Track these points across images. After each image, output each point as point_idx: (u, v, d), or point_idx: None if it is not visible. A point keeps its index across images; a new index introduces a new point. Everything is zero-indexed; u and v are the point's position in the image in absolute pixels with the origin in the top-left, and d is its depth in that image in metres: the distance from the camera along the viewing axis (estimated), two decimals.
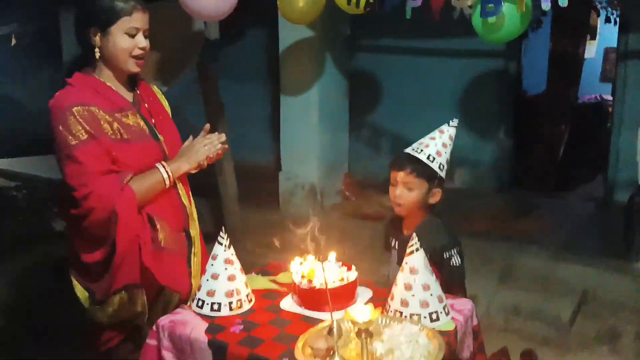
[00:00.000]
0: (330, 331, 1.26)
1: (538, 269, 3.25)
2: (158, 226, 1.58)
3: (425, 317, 1.39)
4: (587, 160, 5.40)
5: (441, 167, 1.72)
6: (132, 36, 1.55)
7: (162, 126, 1.72)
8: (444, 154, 1.73)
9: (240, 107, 4.86)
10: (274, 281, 1.71)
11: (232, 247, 1.55)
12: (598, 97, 6.35)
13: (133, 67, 1.60)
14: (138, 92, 1.71)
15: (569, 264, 3.20)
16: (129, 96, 1.67)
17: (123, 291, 1.55)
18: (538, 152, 4.96)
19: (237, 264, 1.55)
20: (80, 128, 1.48)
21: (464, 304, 1.51)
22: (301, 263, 1.61)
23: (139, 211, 1.56)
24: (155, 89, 1.83)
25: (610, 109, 5.09)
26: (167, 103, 1.84)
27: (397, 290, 1.43)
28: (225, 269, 1.51)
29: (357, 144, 4.94)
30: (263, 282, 1.70)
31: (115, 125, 1.55)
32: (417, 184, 1.72)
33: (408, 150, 1.75)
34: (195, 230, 1.74)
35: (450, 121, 1.78)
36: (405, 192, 1.73)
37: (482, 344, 1.53)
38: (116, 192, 1.49)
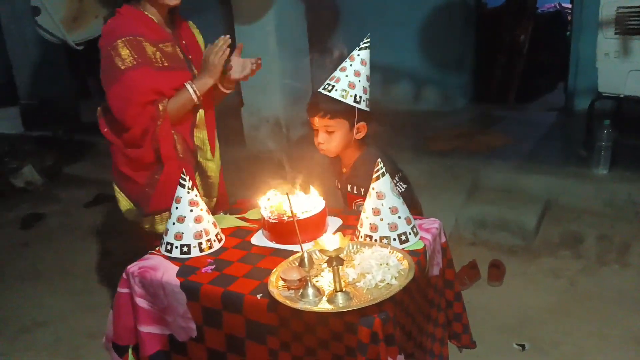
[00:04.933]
0: (301, 262, 1.26)
1: (503, 181, 3.34)
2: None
3: (394, 240, 1.40)
4: (548, 70, 5.44)
5: (359, 99, 1.59)
6: None
7: (197, 62, 1.84)
8: (359, 84, 1.59)
9: None
10: (243, 218, 1.69)
11: (195, 188, 1.51)
12: (557, 6, 6.27)
13: (170, 1, 1.73)
14: (177, 29, 1.86)
15: (532, 173, 3.29)
16: (169, 30, 1.82)
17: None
18: (500, 65, 4.95)
19: (203, 205, 1.52)
20: (129, 54, 1.65)
21: (432, 223, 1.53)
22: (269, 198, 1.58)
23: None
24: (192, 26, 1.97)
25: (569, 17, 5.06)
26: (202, 39, 1.97)
27: (366, 216, 1.44)
28: (191, 210, 1.48)
29: (321, 70, 4.81)
30: (232, 221, 1.68)
31: (158, 54, 1.72)
32: (336, 126, 1.62)
33: (320, 89, 1.63)
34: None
35: (361, 43, 1.62)
36: (326, 136, 1.64)
37: (450, 260, 1.57)
38: (154, 125, 1.68)
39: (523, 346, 2.20)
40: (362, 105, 1.61)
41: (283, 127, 4.18)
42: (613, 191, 3.03)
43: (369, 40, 1.62)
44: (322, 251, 1.15)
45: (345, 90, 1.58)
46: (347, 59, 1.62)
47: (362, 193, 1.66)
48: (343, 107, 1.59)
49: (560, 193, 3.16)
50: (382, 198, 1.42)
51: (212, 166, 1.90)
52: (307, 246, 1.33)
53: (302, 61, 4.30)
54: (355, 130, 1.65)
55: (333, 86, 1.59)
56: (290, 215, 1.39)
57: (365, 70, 1.61)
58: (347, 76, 1.59)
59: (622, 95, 3.19)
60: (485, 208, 3.17)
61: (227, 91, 1.86)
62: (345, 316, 1.14)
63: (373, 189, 1.43)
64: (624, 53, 3.15)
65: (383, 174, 1.43)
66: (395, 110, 4.75)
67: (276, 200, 1.56)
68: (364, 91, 1.61)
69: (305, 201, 1.54)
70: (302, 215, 1.47)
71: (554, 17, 5.94)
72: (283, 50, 4.09)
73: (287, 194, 1.42)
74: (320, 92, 1.62)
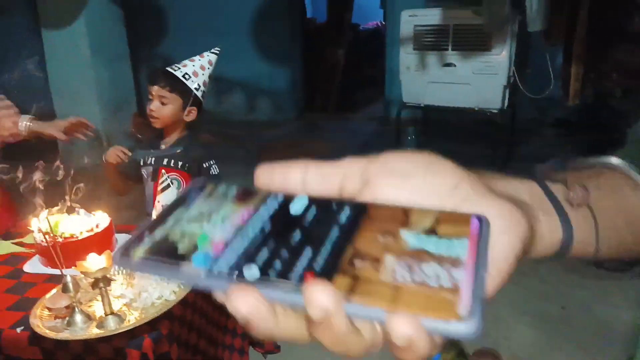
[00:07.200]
0: (65, 287, 1.16)
1: None
2: None
3: None
4: (370, 82, 5.89)
5: (198, 86, 1.79)
6: None
7: None
8: (201, 76, 1.80)
9: None
10: (20, 243, 1.51)
11: None
12: (378, 24, 6.85)
13: None
14: None
15: None
16: None
17: None
18: (324, 78, 5.22)
19: None
20: None
21: None
22: (45, 218, 1.43)
23: None
24: None
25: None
26: None
27: None
28: None
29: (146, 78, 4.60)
30: (6, 247, 1.49)
31: None
32: (170, 99, 1.76)
33: (167, 68, 1.79)
34: None
35: (213, 49, 1.85)
36: (160, 105, 1.77)
37: None
38: None
39: None
40: (199, 94, 1.80)
41: (103, 140, 3.88)
42: None
43: (219, 49, 1.84)
44: (84, 273, 1.07)
45: (189, 75, 1.77)
46: (198, 55, 1.82)
47: (179, 167, 1.76)
48: (181, 87, 1.76)
49: None
50: None
51: None
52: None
53: (122, 68, 4.06)
54: (186, 112, 1.80)
55: (179, 68, 1.77)
56: (66, 236, 1.27)
57: (208, 69, 1.81)
58: (193, 66, 1.79)
59: (422, 105, 3.57)
60: None
61: None
62: (114, 341, 1.06)
63: (159, 202, 1.38)
64: (422, 67, 3.53)
65: (169, 185, 1.39)
66: (229, 120, 4.74)
67: (53, 220, 1.41)
68: (204, 84, 1.81)
69: (85, 219, 1.43)
70: (80, 235, 1.35)
71: (374, 34, 6.47)
72: (98, 57, 3.81)
73: (48, 214, 1.31)
74: (166, 69, 1.78)
